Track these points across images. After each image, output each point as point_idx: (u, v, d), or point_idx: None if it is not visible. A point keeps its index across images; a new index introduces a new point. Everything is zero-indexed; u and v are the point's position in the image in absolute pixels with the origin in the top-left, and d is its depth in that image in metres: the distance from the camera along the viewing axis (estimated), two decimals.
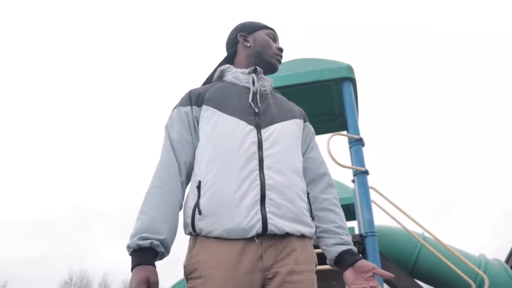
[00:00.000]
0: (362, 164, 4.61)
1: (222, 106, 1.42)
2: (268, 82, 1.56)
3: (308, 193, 1.42)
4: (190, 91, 1.51)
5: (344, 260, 1.36)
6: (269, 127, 1.41)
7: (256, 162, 1.32)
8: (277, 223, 1.26)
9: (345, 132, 5.13)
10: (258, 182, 1.29)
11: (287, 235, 1.28)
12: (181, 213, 1.36)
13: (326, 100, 5.67)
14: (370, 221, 4.36)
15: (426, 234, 5.57)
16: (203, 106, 1.44)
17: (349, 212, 8.19)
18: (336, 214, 1.46)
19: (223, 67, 1.59)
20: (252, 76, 1.51)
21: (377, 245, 4.27)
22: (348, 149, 5.00)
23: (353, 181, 5.21)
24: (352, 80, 5.08)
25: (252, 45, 1.60)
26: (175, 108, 1.49)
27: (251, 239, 1.24)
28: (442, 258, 5.23)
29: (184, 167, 1.39)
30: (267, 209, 1.26)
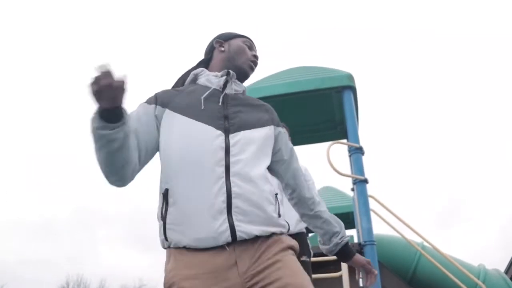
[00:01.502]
0: (362, 173, 4.62)
1: (191, 111, 1.39)
2: (240, 87, 1.56)
3: (276, 194, 1.39)
4: (157, 94, 1.47)
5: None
6: (237, 132, 1.38)
7: (223, 169, 1.30)
8: (245, 229, 1.25)
9: (345, 141, 5.15)
10: (225, 190, 1.27)
11: (258, 238, 1.27)
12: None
13: (327, 108, 5.68)
14: (369, 230, 4.36)
15: (425, 244, 5.56)
16: (167, 110, 1.41)
17: (348, 220, 8.17)
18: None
19: (197, 70, 1.58)
20: (225, 79, 1.50)
21: (376, 254, 4.26)
22: (348, 158, 5.00)
23: (353, 189, 5.21)
24: (353, 89, 5.10)
25: (226, 50, 1.60)
26: (140, 104, 1.46)
27: (222, 247, 1.24)
28: (441, 268, 5.21)
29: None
30: (234, 217, 1.25)
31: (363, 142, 4.80)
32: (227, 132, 1.36)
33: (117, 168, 1.25)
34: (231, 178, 1.29)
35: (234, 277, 1.23)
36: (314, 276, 3.30)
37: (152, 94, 1.49)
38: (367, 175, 4.63)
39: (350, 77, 5.09)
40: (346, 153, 4.98)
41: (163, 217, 1.29)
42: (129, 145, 1.24)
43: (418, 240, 5.65)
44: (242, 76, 1.58)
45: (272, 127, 1.51)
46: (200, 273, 1.22)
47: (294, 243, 1.37)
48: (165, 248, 1.33)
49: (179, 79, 1.63)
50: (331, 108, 5.67)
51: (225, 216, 1.25)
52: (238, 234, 1.24)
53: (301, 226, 2.81)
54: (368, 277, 1.57)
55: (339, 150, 5.23)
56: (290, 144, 1.59)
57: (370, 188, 4.66)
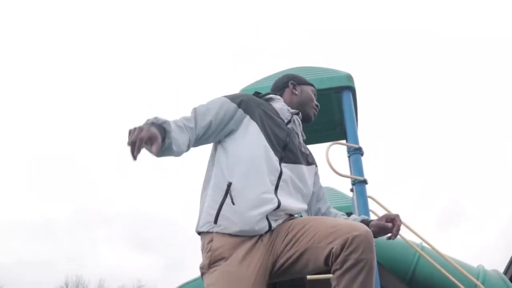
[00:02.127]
0: (361, 174, 4.60)
1: (264, 127, 1.69)
2: (300, 128, 1.91)
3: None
4: (242, 98, 1.74)
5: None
6: (288, 164, 1.69)
7: (274, 187, 1.61)
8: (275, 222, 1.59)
9: (344, 141, 5.14)
10: (276, 201, 1.59)
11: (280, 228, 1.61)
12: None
13: (326, 109, 5.67)
14: None
15: (424, 245, 5.55)
16: (248, 117, 1.69)
17: None
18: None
19: (273, 95, 1.95)
20: (294, 117, 1.86)
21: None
22: (347, 158, 4.99)
23: (352, 190, 5.20)
24: (352, 89, 5.09)
25: (299, 94, 1.97)
26: (225, 97, 1.73)
27: (256, 236, 1.54)
28: (440, 269, 5.21)
29: (200, 133, 1.63)
30: (270, 218, 1.57)
31: (362, 143, 4.79)
32: (281, 160, 1.68)
33: (181, 149, 1.54)
34: (278, 194, 1.62)
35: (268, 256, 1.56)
36: (314, 277, 3.29)
37: (237, 93, 1.81)
38: (367, 176, 4.62)
39: (349, 77, 5.08)
40: (345, 154, 4.97)
41: (221, 205, 1.55)
42: (179, 139, 1.51)
43: (417, 241, 5.64)
44: (306, 120, 1.98)
45: (314, 166, 1.90)
46: (241, 248, 1.51)
47: None
48: (204, 232, 1.58)
49: (256, 92, 1.93)
50: (330, 109, 5.66)
51: (265, 216, 1.56)
52: (272, 225, 1.58)
53: None
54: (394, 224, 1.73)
55: (338, 150, 5.21)
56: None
57: (369, 189, 4.65)
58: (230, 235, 1.52)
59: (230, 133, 1.69)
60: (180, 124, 1.53)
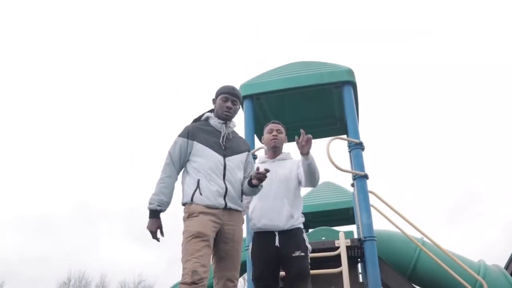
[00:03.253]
0: (362, 168, 4.60)
1: (207, 143, 2.67)
2: (231, 128, 2.81)
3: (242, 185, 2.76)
4: (188, 130, 2.71)
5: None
6: (229, 157, 2.70)
7: (222, 174, 2.63)
8: (230, 205, 2.60)
9: (345, 136, 5.12)
10: (223, 185, 2.62)
11: (230, 209, 2.62)
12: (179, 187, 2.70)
13: (326, 104, 5.65)
14: (369, 225, 4.34)
15: (425, 239, 5.55)
16: (195, 142, 2.67)
17: (348, 216, 8.16)
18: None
19: (209, 114, 2.82)
20: (222, 126, 2.76)
21: (375, 250, 4.25)
22: (348, 153, 4.98)
23: (353, 185, 5.20)
24: (353, 84, 5.06)
25: (216, 106, 2.80)
26: (178, 136, 2.71)
27: (219, 209, 2.56)
28: (441, 264, 5.21)
29: (178, 170, 2.71)
30: (226, 198, 2.60)
31: (363, 138, 4.78)
32: (224, 156, 2.68)
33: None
34: (225, 180, 2.64)
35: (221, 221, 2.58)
36: (314, 272, 3.29)
37: (183, 128, 2.74)
38: (367, 170, 4.62)
39: (350, 72, 5.05)
40: (346, 149, 4.96)
41: (194, 191, 2.57)
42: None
43: (418, 235, 5.64)
44: (226, 120, 2.78)
45: (246, 153, 2.83)
46: (207, 212, 2.54)
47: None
48: (186, 204, 2.59)
49: (199, 116, 2.85)
50: (331, 104, 5.64)
51: (223, 197, 2.59)
52: (228, 205, 2.60)
53: (293, 222, 2.82)
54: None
55: (339, 145, 5.19)
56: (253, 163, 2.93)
57: (370, 184, 4.65)
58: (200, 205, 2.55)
59: (191, 152, 2.67)
60: (163, 190, 2.61)
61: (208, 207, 2.52)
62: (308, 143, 2.66)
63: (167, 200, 2.58)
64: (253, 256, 2.92)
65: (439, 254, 5.37)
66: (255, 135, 5.24)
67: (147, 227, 2.52)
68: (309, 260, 2.83)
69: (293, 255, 2.74)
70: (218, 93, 2.80)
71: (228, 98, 2.76)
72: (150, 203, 2.54)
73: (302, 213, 2.98)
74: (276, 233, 2.81)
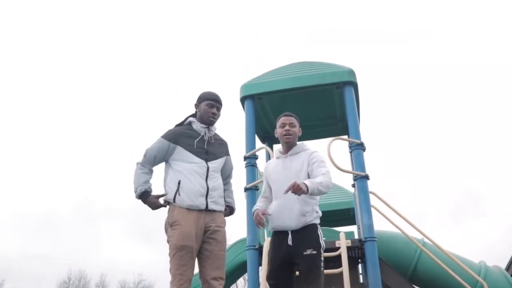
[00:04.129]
0: (363, 169, 4.59)
1: (189, 147, 2.82)
2: (213, 132, 2.95)
3: (225, 190, 2.97)
4: (170, 134, 2.85)
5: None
6: (212, 161, 2.86)
7: (205, 177, 2.79)
8: (211, 206, 2.76)
9: (346, 137, 5.13)
10: (205, 186, 2.78)
11: (214, 211, 2.78)
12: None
13: (328, 104, 5.65)
14: (370, 226, 4.34)
15: (426, 240, 5.55)
16: (178, 146, 2.81)
17: (349, 216, 8.14)
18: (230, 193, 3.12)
19: (191, 119, 2.94)
20: (205, 130, 2.90)
21: (376, 251, 4.25)
22: (349, 154, 4.98)
23: (353, 185, 5.20)
24: (354, 85, 5.06)
25: (200, 111, 2.94)
26: (161, 137, 2.85)
27: (201, 210, 2.72)
28: (442, 265, 5.21)
29: (150, 167, 2.87)
30: (208, 199, 2.75)
31: (364, 138, 4.78)
32: (206, 160, 2.84)
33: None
34: (208, 181, 2.80)
35: (203, 224, 2.72)
36: None
37: (166, 131, 2.89)
38: (368, 171, 4.62)
39: (351, 72, 5.05)
40: (347, 149, 4.96)
41: (176, 192, 2.71)
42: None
43: (419, 236, 5.64)
44: (210, 125, 2.93)
45: (226, 157, 3.02)
46: (190, 218, 2.68)
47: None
48: (170, 204, 2.73)
49: (182, 122, 2.98)
50: (332, 104, 5.64)
51: (204, 197, 2.75)
52: (209, 206, 2.75)
53: (305, 220, 2.75)
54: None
55: (340, 146, 5.20)
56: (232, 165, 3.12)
57: (371, 185, 4.65)
58: (182, 208, 2.70)
59: (171, 155, 2.82)
60: (140, 177, 2.80)
61: (189, 209, 2.66)
62: (298, 189, 2.46)
63: (148, 179, 2.79)
64: (268, 255, 2.89)
65: (440, 255, 5.36)
66: (256, 135, 5.24)
67: (152, 209, 2.75)
68: (322, 258, 2.73)
69: (304, 253, 2.66)
70: (203, 99, 2.93)
71: (214, 105, 2.91)
72: (136, 191, 2.73)
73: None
74: (289, 232, 2.77)
